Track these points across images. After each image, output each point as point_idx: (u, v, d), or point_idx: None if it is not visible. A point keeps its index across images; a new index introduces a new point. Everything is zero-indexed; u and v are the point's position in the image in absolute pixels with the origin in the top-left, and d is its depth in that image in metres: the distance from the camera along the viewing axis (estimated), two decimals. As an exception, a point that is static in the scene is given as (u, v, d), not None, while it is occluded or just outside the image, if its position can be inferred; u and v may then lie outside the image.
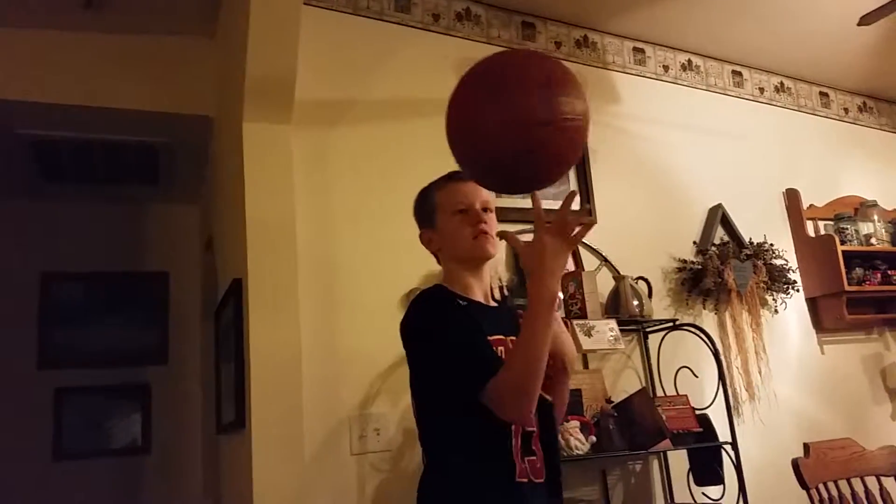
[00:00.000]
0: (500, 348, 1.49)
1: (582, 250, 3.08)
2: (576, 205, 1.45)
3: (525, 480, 1.43)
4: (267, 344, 2.27)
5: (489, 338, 1.47)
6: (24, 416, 3.55)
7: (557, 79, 1.30)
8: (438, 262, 1.67)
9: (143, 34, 2.81)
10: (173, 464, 3.75)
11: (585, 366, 2.93)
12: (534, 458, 1.47)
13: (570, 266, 3.00)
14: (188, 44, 2.90)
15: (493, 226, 1.59)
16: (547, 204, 3.07)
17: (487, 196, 1.59)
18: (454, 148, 1.36)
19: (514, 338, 1.51)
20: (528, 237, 1.42)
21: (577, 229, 1.38)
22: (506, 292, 2.69)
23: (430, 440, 1.52)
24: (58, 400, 3.63)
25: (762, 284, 3.44)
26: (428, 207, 1.63)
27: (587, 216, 1.35)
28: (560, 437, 2.51)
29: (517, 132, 1.24)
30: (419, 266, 2.59)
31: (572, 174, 3.17)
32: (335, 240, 2.60)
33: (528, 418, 1.40)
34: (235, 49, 2.46)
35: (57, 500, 3.48)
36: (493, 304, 1.64)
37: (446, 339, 1.45)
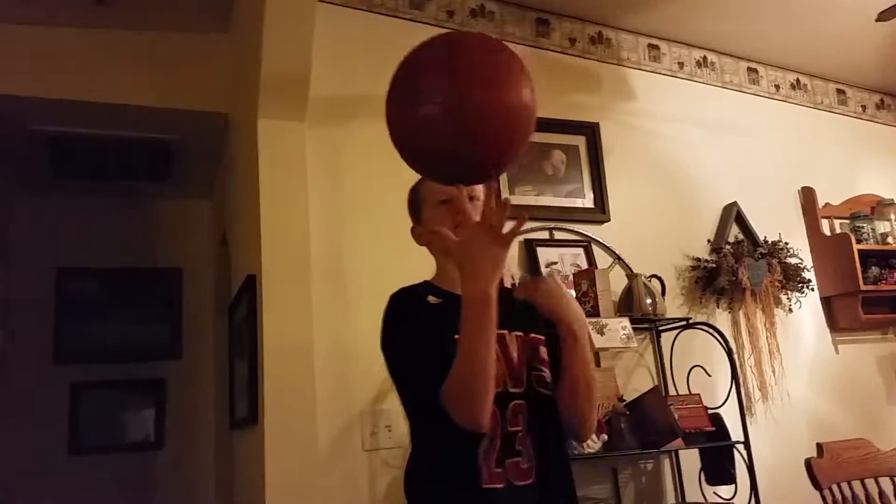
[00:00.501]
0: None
1: (595, 248, 3.07)
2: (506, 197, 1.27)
3: (498, 486, 1.35)
4: (280, 340, 2.28)
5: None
6: (40, 411, 3.58)
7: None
8: (433, 256, 1.63)
9: (156, 30, 2.82)
10: (186, 459, 3.77)
11: (597, 364, 2.93)
12: (518, 458, 1.38)
13: (584, 264, 2.99)
14: (202, 40, 2.91)
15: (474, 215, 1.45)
16: (557, 202, 3.07)
17: (475, 186, 1.50)
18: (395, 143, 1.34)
19: (517, 333, 1.47)
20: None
21: (507, 226, 1.25)
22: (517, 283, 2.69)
23: (412, 436, 1.50)
24: (73, 395, 3.66)
25: (777, 283, 3.42)
26: (416, 202, 1.60)
27: (513, 210, 1.14)
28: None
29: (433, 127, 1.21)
30: (432, 262, 2.59)
31: (586, 171, 3.17)
32: (348, 236, 2.61)
33: (482, 423, 1.28)
34: (250, 46, 2.47)
35: (72, 494, 3.50)
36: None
37: (402, 345, 1.43)
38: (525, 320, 1.50)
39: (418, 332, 1.41)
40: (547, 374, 1.48)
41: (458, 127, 1.17)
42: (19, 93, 2.61)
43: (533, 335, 1.50)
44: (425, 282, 1.58)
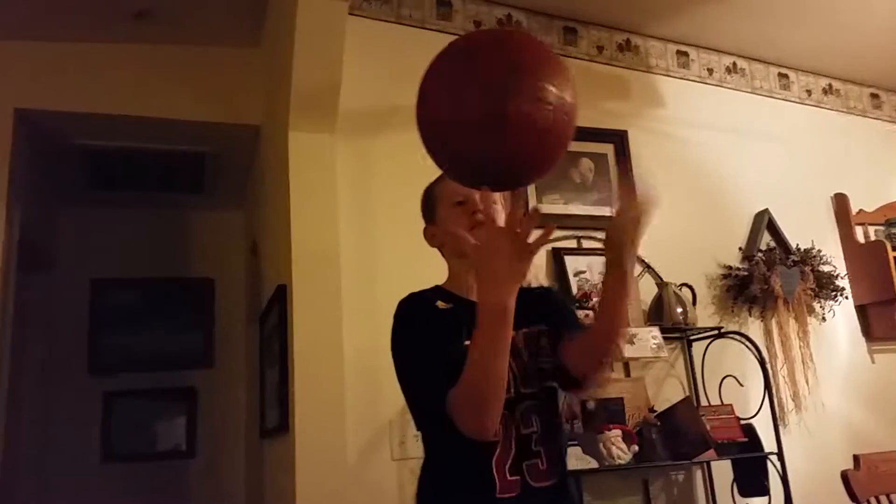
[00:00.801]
0: None
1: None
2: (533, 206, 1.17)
3: (512, 495, 1.29)
4: (310, 349, 2.30)
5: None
6: (75, 419, 3.65)
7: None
8: (445, 259, 1.58)
9: (190, 45, 2.88)
10: (217, 467, 3.80)
11: (627, 374, 2.91)
12: (535, 461, 1.33)
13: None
14: (235, 54, 2.97)
15: (500, 218, 1.36)
16: (585, 210, 3.05)
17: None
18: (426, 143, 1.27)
19: (523, 329, 1.40)
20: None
21: (533, 235, 1.16)
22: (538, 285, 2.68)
23: (424, 445, 1.46)
24: (107, 403, 3.72)
25: (809, 291, 3.37)
26: (430, 202, 1.56)
27: (542, 219, 1.16)
28: (601, 445, 2.49)
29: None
30: (460, 273, 2.60)
31: (614, 179, 3.16)
32: (378, 246, 2.63)
33: (489, 433, 1.23)
34: (281, 59, 2.51)
35: (104, 501, 3.56)
36: None
37: (409, 350, 1.39)
38: (533, 316, 1.43)
39: (426, 337, 1.37)
40: (550, 364, 1.41)
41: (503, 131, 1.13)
42: (62, 108, 2.68)
43: (537, 327, 1.44)
44: (436, 286, 1.52)
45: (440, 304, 1.44)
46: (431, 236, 1.56)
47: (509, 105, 1.12)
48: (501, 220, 1.31)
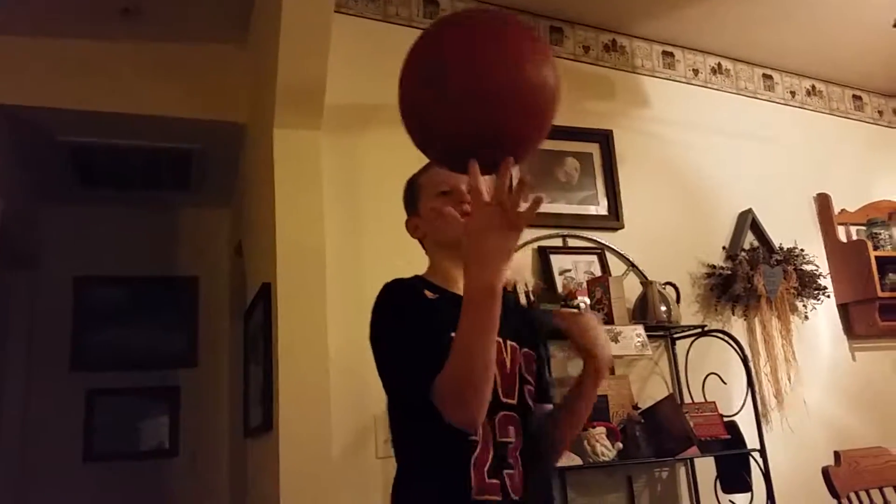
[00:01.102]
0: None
1: (609, 255, 3.07)
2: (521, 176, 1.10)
3: (493, 498, 1.25)
4: (295, 348, 2.30)
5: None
6: (56, 417, 3.61)
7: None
8: (426, 251, 1.54)
9: (176, 42, 2.87)
10: (201, 466, 3.78)
11: (612, 372, 2.92)
12: (512, 471, 1.29)
13: (597, 271, 2.99)
14: (221, 51, 2.95)
15: None
16: (571, 209, 3.06)
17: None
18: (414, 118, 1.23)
19: (512, 343, 1.38)
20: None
21: (522, 206, 1.10)
22: (532, 297, 2.69)
23: (396, 447, 1.39)
24: (89, 401, 3.69)
25: (792, 290, 3.40)
26: (413, 192, 1.53)
27: (532, 190, 1.07)
28: (585, 442, 2.51)
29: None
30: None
31: (599, 179, 3.17)
32: (363, 244, 2.62)
33: (477, 422, 1.19)
34: (267, 56, 2.50)
35: (86, 501, 3.53)
36: None
37: (395, 335, 1.32)
38: (519, 333, 1.41)
39: (414, 325, 1.30)
40: (534, 388, 1.40)
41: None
42: (46, 104, 2.66)
43: (526, 349, 1.41)
44: (417, 276, 1.47)
45: (427, 293, 1.39)
46: (414, 227, 1.52)
47: (515, 75, 1.11)
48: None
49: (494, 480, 1.26)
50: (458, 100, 1.11)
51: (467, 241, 1.13)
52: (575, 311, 2.57)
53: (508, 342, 1.37)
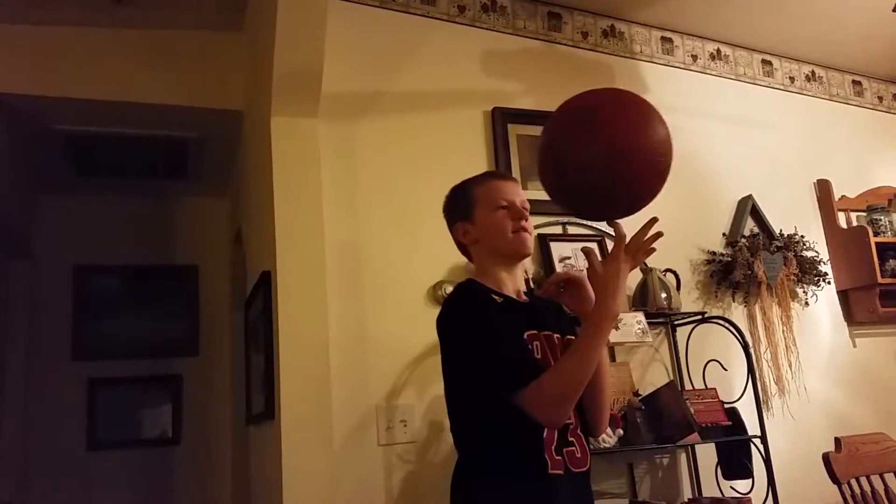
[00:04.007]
0: (535, 343, 1.52)
1: (609, 242, 3.06)
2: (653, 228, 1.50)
3: (560, 472, 1.44)
4: (296, 335, 2.29)
5: (525, 334, 1.51)
6: (59, 407, 3.63)
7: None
8: (468, 257, 1.69)
9: (172, 29, 2.85)
10: (203, 454, 3.80)
11: (612, 359, 2.92)
12: (573, 448, 1.48)
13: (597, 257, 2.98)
14: (217, 38, 2.93)
15: (531, 226, 1.63)
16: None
17: (524, 197, 1.64)
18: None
19: (547, 332, 1.55)
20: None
21: (646, 251, 1.46)
22: (531, 284, 2.69)
23: (462, 434, 1.54)
24: (91, 390, 3.70)
25: (792, 277, 3.40)
26: (466, 202, 1.65)
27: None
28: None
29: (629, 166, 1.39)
30: (446, 258, 2.60)
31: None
32: (362, 232, 2.62)
33: (562, 423, 1.44)
34: (263, 43, 2.48)
35: (90, 489, 3.55)
36: (524, 299, 1.64)
37: (481, 338, 1.46)
38: (558, 323, 1.62)
39: (496, 328, 1.47)
40: None
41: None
42: (41, 93, 2.64)
43: (568, 336, 1.61)
44: (472, 279, 1.62)
45: (495, 297, 1.56)
46: (464, 233, 1.65)
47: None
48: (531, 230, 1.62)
49: (559, 457, 1.45)
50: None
51: (607, 278, 1.42)
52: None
53: (555, 335, 1.57)
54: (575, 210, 1.52)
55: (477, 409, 1.49)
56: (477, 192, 1.65)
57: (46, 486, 3.49)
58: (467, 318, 1.51)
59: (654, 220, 1.46)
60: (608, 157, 1.36)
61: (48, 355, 3.65)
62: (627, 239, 1.46)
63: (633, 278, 2.94)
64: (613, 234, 1.49)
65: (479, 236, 1.63)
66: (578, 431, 1.52)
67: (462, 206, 1.66)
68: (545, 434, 1.44)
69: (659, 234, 1.46)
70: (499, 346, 1.45)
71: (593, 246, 3.03)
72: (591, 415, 1.58)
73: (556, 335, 1.57)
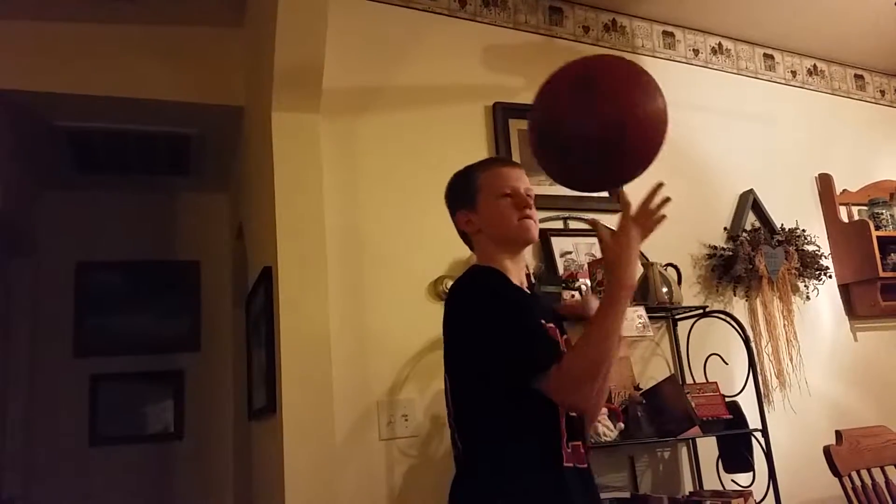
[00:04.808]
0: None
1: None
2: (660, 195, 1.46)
3: (571, 465, 1.43)
4: (297, 330, 2.30)
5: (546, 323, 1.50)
6: (61, 403, 3.63)
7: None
8: (470, 246, 1.66)
9: (173, 25, 2.85)
10: (205, 449, 3.81)
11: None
12: (578, 442, 1.47)
13: (599, 253, 2.98)
14: (217, 34, 2.93)
15: (535, 213, 1.60)
16: (571, 191, 3.07)
17: (529, 183, 1.61)
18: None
19: (551, 325, 1.53)
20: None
21: (657, 219, 1.43)
22: (533, 280, 2.69)
23: (473, 427, 1.49)
24: (93, 386, 3.71)
25: (794, 271, 3.40)
26: (470, 189, 1.62)
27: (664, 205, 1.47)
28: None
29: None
30: (447, 253, 2.60)
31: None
32: (364, 227, 2.62)
33: (588, 405, 1.43)
34: (264, 38, 2.48)
35: (93, 484, 3.56)
36: (526, 290, 1.63)
37: (508, 320, 1.42)
38: (555, 317, 1.62)
39: (524, 311, 1.45)
40: None
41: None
42: (42, 89, 2.64)
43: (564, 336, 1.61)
44: (489, 267, 1.58)
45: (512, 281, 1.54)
46: (467, 222, 1.62)
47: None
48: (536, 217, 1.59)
49: (569, 451, 1.44)
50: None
51: (619, 250, 1.38)
52: (576, 299, 2.60)
53: (556, 329, 1.55)
54: (576, 180, 1.50)
55: (495, 399, 1.44)
56: (480, 179, 1.61)
57: (50, 483, 3.49)
58: (489, 299, 1.46)
59: (659, 185, 1.43)
60: (608, 125, 1.36)
61: (51, 352, 3.66)
62: (634, 207, 1.43)
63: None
64: (619, 204, 1.47)
65: (483, 225, 1.59)
66: (583, 428, 1.51)
67: (465, 193, 1.63)
68: (562, 426, 1.43)
69: (667, 200, 1.43)
70: (528, 326, 1.42)
71: (593, 241, 3.03)
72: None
73: (556, 327, 1.56)
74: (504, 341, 1.41)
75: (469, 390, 1.50)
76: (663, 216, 1.44)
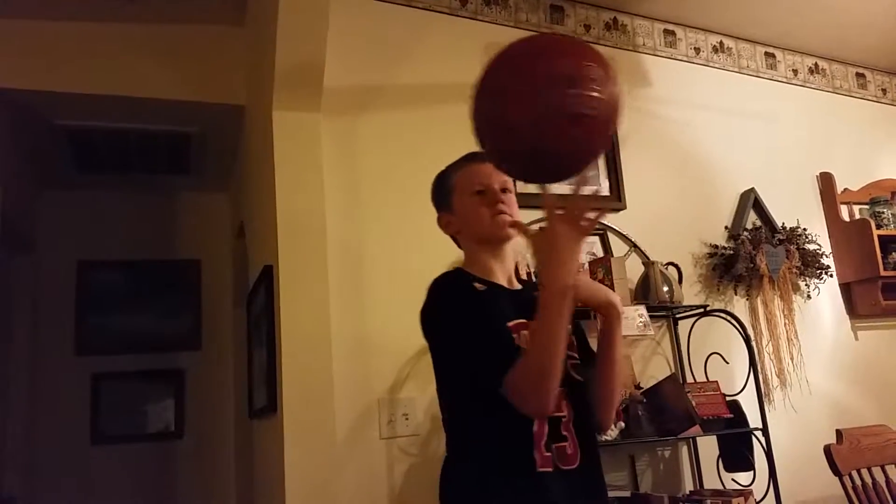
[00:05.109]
0: (523, 332, 1.43)
1: (611, 236, 3.06)
2: (588, 189, 1.32)
3: (549, 469, 1.37)
4: (298, 329, 2.30)
5: (511, 322, 1.42)
6: (62, 401, 3.64)
7: (584, 72, 1.25)
8: (459, 245, 1.66)
9: (174, 24, 2.85)
10: (206, 448, 3.81)
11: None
12: (563, 443, 1.40)
13: (599, 252, 2.98)
14: (218, 33, 2.93)
15: (513, 207, 1.55)
16: (568, 190, 3.07)
17: (506, 178, 1.55)
18: (480, 137, 1.34)
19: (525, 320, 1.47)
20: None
21: (589, 216, 1.29)
22: (534, 278, 2.69)
23: (451, 429, 1.50)
24: (94, 385, 3.71)
25: (795, 270, 3.39)
26: (445, 190, 1.61)
27: (599, 201, 1.30)
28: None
29: (545, 127, 1.20)
30: (448, 252, 2.59)
31: (601, 159, 3.15)
32: (364, 226, 2.62)
33: (546, 411, 1.33)
34: (265, 37, 2.48)
35: (94, 483, 3.57)
36: (516, 286, 1.59)
37: (461, 329, 1.41)
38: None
39: (477, 317, 1.40)
40: (577, 360, 1.51)
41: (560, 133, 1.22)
42: (43, 88, 2.65)
43: None
44: (459, 268, 1.56)
45: (477, 285, 1.49)
46: (447, 224, 1.61)
47: (569, 101, 1.21)
48: (515, 210, 1.54)
49: (548, 454, 1.38)
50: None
51: (545, 248, 1.29)
52: None
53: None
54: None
55: (465, 402, 1.44)
56: (454, 178, 1.60)
57: (51, 481, 3.50)
58: (447, 306, 1.45)
59: (584, 179, 1.29)
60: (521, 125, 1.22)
61: (52, 351, 3.66)
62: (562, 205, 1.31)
63: (635, 271, 2.94)
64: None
65: (461, 225, 1.58)
66: (572, 426, 1.43)
67: (442, 195, 1.62)
68: (535, 429, 1.37)
69: (598, 206, 1.34)
70: (480, 334, 1.38)
71: (594, 240, 3.03)
72: (596, 409, 1.50)
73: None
74: (460, 351, 1.41)
75: (442, 392, 1.51)
76: (598, 215, 1.32)
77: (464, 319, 1.41)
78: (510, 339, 1.39)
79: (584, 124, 1.21)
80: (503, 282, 1.55)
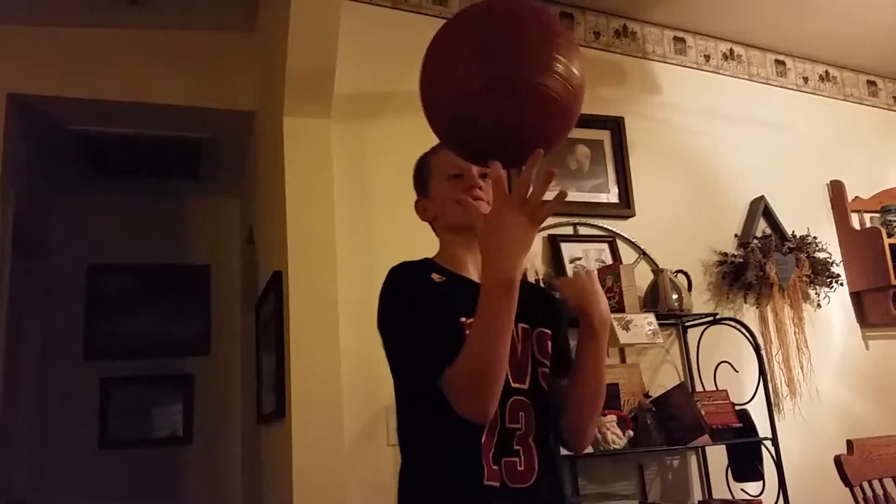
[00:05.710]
0: None
1: (620, 243, 3.06)
2: (544, 173, 1.12)
3: (496, 484, 1.22)
4: (307, 335, 2.30)
5: (468, 319, 1.22)
6: (71, 406, 3.65)
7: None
8: (436, 234, 1.52)
9: (185, 30, 2.87)
10: (214, 453, 3.81)
11: (623, 360, 2.92)
12: (513, 459, 1.25)
13: (608, 259, 2.98)
14: (230, 39, 2.95)
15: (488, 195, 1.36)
16: (581, 197, 3.04)
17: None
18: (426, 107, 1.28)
19: (523, 325, 1.34)
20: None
21: (544, 202, 1.11)
22: (542, 285, 2.69)
23: (402, 434, 1.36)
24: (103, 389, 3.73)
25: (805, 278, 3.38)
26: (423, 174, 1.50)
27: (557, 187, 1.12)
28: (596, 430, 2.50)
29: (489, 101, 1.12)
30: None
31: (610, 166, 3.15)
32: (374, 231, 2.62)
33: (487, 415, 1.16)
34: (276, 44, 2.50)
35: (102, 488, 3.57)
36: None
37: (404, 320, 1.28)
38: (529, 311, 1.34)
39: (423, 311, 1.26)
40: (549, 368, 1.36)
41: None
42: (56, 93, 2.67)
43: (541, 329, 1.38)
44: (426, 259, 1.43)
45: (435, 276, 1.35)
46: (423, 210, 1.49)
47: (524, 75, 1.11)
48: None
49: (495, 467, 1.23)
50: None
51: (487, 232, 1.11)
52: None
53: (520, 325, 1.32)
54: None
55: (413, 403, 1.31)
56: (432, 161, 1.48)
57: (59, 485, 3.51)
58: (392, 299, 1.33)
59: (538, 154, 1.11)
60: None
61: (61, 355, 3.68)
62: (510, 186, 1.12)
63: (645, 279, 2.93)
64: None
65: (435, 211, 1.45)
66: (531, 441, 1.27)
67: (421, 178, 1.50)
68: (483, 439, 1.22)
69: (550, 175, 1.10)
70: (424, 327, 1.24)
71: (603, 247, 3.03)
72: (570, 424, 1.35)
73: (521, 325, 1.32)
74: (401, 344, 1.29)
75: (397, 397, 1.37)
76: (555, 201, 1.12)
77: (409, 310, 1.28)
78: (460, 335, 1.20)
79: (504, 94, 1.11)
80: (472, 275, 1.38)
